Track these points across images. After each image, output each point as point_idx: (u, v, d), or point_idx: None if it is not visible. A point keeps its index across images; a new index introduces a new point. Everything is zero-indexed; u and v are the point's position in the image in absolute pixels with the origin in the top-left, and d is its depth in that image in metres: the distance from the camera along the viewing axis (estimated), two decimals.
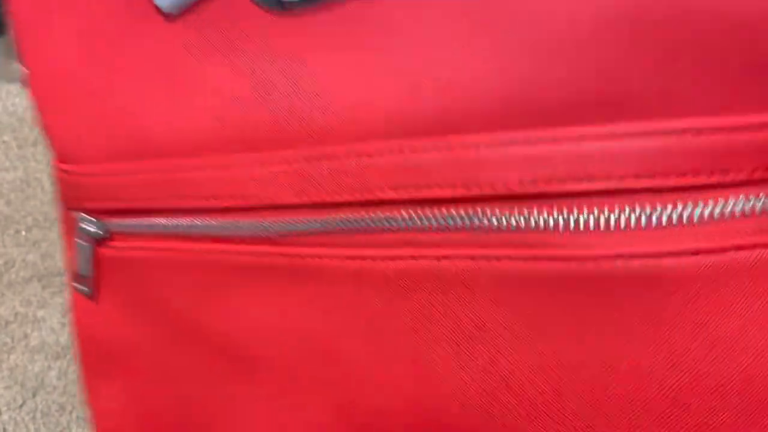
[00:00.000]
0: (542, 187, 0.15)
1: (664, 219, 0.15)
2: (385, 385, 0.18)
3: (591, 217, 0.15)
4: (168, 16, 0.20)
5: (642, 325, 0.16)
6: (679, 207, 0.15)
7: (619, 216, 0.15)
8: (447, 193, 0.16)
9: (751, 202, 0.15)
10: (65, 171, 0.22)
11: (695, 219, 0.15)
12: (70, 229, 0.23)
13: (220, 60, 0.19)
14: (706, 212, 0.15)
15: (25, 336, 0.38)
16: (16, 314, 0.39)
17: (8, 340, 0.38)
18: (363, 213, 0.17)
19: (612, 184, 0.15)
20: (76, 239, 0.23)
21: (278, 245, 0.19)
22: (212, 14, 0.19)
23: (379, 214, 0.17)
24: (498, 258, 0.16)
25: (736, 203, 0.15)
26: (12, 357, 0.38)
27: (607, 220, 0.15)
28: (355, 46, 0.17)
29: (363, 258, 0.18)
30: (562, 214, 0.15)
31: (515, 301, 0.16)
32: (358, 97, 0.17)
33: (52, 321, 0.39)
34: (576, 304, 0.16)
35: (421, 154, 0.16)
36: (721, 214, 0.15)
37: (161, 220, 0.21)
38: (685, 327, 0.15)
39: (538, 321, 0.16)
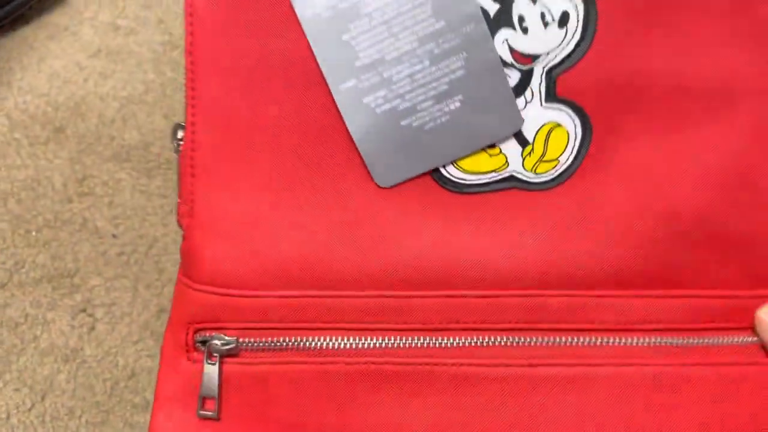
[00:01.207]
0: (612, 326, 0.26)
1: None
2: None
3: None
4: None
5: None
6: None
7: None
8: (563, 326, 0.26)
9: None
10: (215, 293, 0.25)
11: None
12: (181, 344, 0.26)
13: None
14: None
15: (35, 338, 0.38)
16: (26, 316, 0.39)
17: (18, 342, 0.38)
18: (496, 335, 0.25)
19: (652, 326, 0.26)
20: (194, 354, 0.25)
21: (421, 356, 0.25)
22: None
23: (511, 336, 0.25)
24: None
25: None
26: (21, 359, 0.37)
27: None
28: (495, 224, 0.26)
29: (507, 365, 0.25)
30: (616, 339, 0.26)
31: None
32: (502, 263, 0.26)
33: (62, 323, 0.38)
34: None
35: (545, 300, 0.25)
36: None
37: (301, 338, 0.25)
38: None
39: None
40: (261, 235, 0.25)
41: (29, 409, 0.36)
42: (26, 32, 0.53)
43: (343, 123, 0.24)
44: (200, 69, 0.24)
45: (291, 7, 0.23)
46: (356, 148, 0.24)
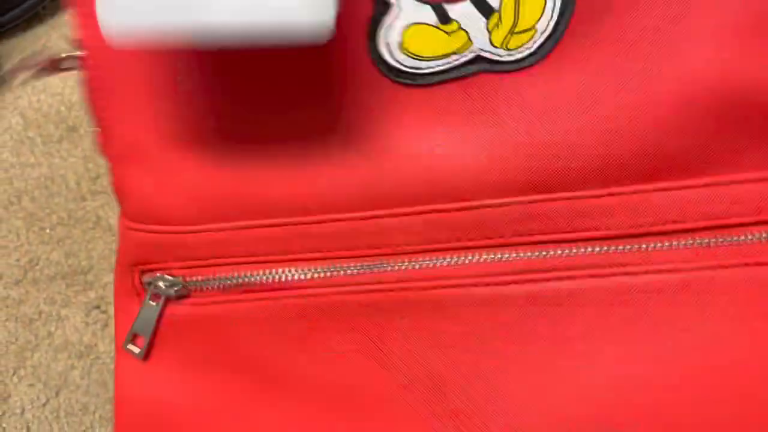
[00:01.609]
0: (624, 230, 0.21)
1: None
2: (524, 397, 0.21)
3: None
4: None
5: None
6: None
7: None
8: (572, 236, 0.21)
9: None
10: (153, 231, 0.22)
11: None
12: (130, 288, 0.23)
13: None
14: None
15: (49, 334, 0.38)
16: (40, 312, 0.39)
17: (32, 338, 0.38)
18: (490, 252, 0.21)
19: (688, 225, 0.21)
20: (144, 299, 0.23)
21: (390, 282, 0.21)
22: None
23: (505, 253, 0.21)
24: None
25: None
26: (36, 355, 0.38)
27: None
28: (482, 119, 0.21)
29: (496, 284, 0.21)
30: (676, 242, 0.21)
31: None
32: (484, 165, 0.21)
33: (76, 320, 0.39)
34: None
35: (537, 206, 0.21)
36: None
37: (255, 272, 0.21)
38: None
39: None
40: (191, 159, 0.21)
41: (44, 405, 0.37)
42: (40, 31, 0.53)
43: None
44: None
45: None
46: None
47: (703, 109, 0.20)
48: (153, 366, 0.23)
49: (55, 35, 0.52)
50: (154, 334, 0.23)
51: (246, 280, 0.22)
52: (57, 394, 0.37)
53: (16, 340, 0.38)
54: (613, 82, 0.20)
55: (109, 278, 0.40)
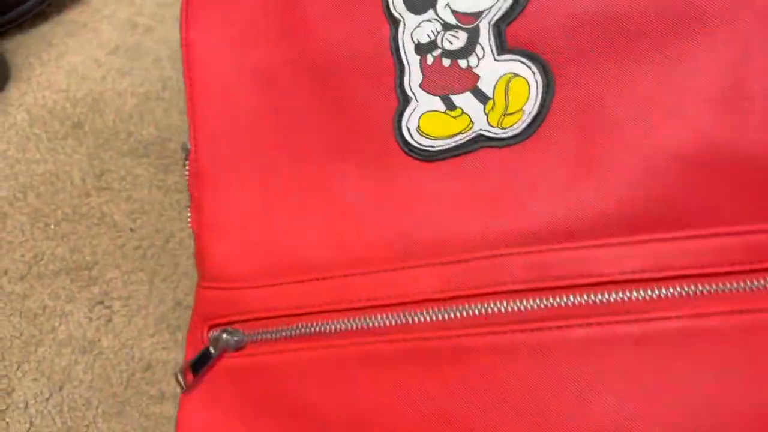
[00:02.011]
0: (647, 275, 0.23)
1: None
2: None
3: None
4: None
5: None
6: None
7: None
8: (567, 282, 0.23)
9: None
10: (220, 288, 0.27)
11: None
12: (198, 341, 0.27)
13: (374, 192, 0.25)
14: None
15: (53, 329, 0.39)
16: (44, 307, 0.39)
17: (36, 332, 0.38)
18: (503, 300, 0.23)
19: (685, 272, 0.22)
20: (205, 347, 0.27)
21: (416, 332, 0.23)
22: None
23: (516, 302, 0.23)
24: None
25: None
26: (40, 350, 0.38)
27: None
28: (480, 186, 0.24)
29: (513, 332, 0.22)
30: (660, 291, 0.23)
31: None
32: (488, 221, 0.24)
33: (80, 315, 0.39)
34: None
35: (543, 255, 0.23)
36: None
37: (303, 324, 0.25)
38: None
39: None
40: (258, 230, 0.26)
41: (47, 399, 0.37)
42: (45, 29, 0.53)
43: (319, 117, 0.26)
44: (197, 94, 0.28)
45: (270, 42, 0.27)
46: (334, 142, 0.26)
47: (678, 170, 0.23)
48: (212, 412, 0.26)
49: (61, 32, 0.53)
50: (203, 374, 0.27)
51: (294, 332, 0.25)
52: (60, 388, 0.37)
53: (21, 334, 0.38)
54: (593, 154, 0.23)
55: (113, 274, 0.40)
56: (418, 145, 0.25)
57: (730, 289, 0.22)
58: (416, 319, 0.24)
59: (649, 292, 0.22)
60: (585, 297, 0.22)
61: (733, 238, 0.22)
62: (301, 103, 0.27)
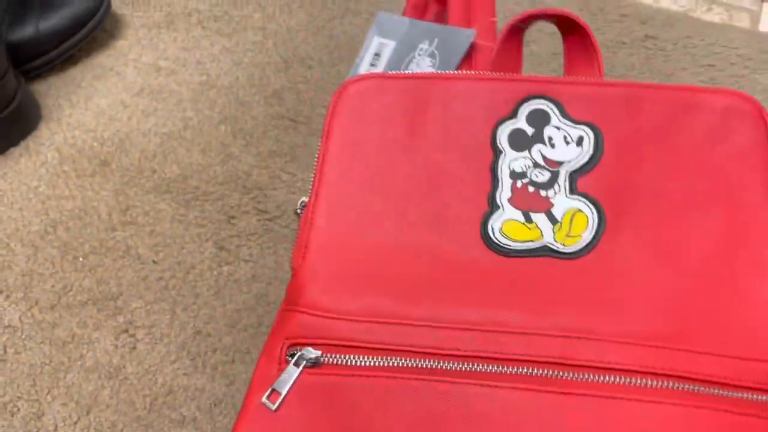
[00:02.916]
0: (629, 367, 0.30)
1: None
2: None
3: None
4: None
5: None
6: None
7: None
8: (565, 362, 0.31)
9: None
10: (311, 314, 0.32)
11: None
12: (274, 357, 0.31)
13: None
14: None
15: (81, 356, 0.41)
16: (73, 335, 0.42)
17: (65, 359, 0.41)
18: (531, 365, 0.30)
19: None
20: (284, 365, 0.31)
21: (472, 377, 0.30)
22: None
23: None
24: None
25: None
26: (68, 376, 0.40)
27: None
28: None
29: (556, 393, 0.29)
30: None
31: None
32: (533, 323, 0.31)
33: (106, 343, 0.41)
34: None
35: (565, 341, 0.30)
36: None
37: (377, 356, 0.30)
38: None
39: None
40: (353, 275, 0.33)
41: (75, 423, 0.39)
42: (75, 73, 0.57)
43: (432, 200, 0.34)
44: (328, 162, 0.35)
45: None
46: (434, 222, 0.34)
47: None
48: (280, 419, 0.30)
49: (89, 76, 0.56)
50: (289, 393, 0.30)
51: (365, 362, 0.30)
52: (87, 412, 0.39)
53: (51, 361, 0.41)
54: (624, 272, 0.32)
55: (137, 304, 0.43)
56: (497, 242, 0.33)
57: (720, 395, 0.29)
58: (471, 368, 0.30)
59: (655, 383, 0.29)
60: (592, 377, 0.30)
61: (719, 359, 0.30)
62: (410, 188, 0.34)
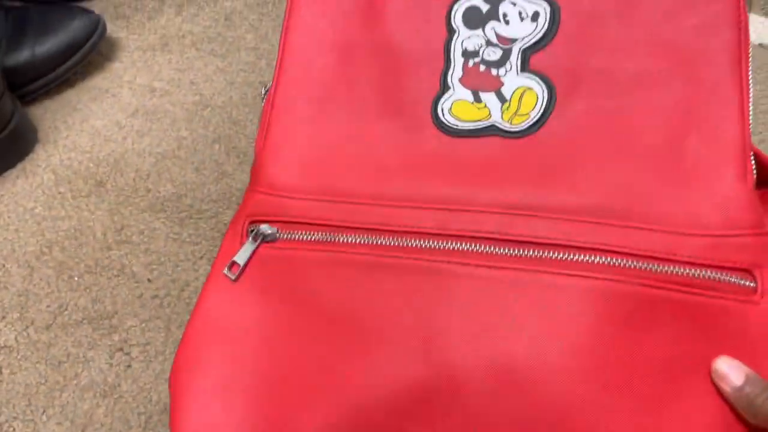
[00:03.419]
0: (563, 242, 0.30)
1: None
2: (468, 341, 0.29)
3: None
4: None
5: None
6: None
7: None
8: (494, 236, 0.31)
9: None
10: (270, 193, 0.33)
11: None
12: (237, 232, 0.34)
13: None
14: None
15: (76, 375, 0.41)
16: (68, 354, 0.42)
17: (60, 379, 0.41)
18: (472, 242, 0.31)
19: None
20: (245, 240, 0.33)
21: (413, 253, 0.31)
22: None
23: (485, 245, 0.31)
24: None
25: None
26: (64, 395, 0.40)
27: None
28: None
29: (489, 267, 0.30)
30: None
31: None
32: (478, 185, 0.32)
33: (101, 361, 0.42)
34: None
35: (505, 218, 0.31)
36: None
37: (326, 232, 0.32)
38: None
39: None
40: (310, 156, 0.34)
41: None
42: (70, 95, 0.58)
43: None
44: (288, 48, 0.35)
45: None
46: (385, 106, 0.34)
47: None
48: (238, 287, 0.32)
49: (85, 98, 0.57)
50: (247, 264, 0.32)
51: (316, 237, 0.32)
52: (83, 431, 0.39)
53: (46, 381, 0.41)
54: (573, 148, 0.32)
55: (132, 322, 0.43)
56: (446, 122, 0.33)
57: (656, 270, 0.29)
58: (412, 244, 0.31)
59: (586, 257, 0.30)
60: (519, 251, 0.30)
61: (662, 235, 0.30)
62: (366, 72, 0.35)
